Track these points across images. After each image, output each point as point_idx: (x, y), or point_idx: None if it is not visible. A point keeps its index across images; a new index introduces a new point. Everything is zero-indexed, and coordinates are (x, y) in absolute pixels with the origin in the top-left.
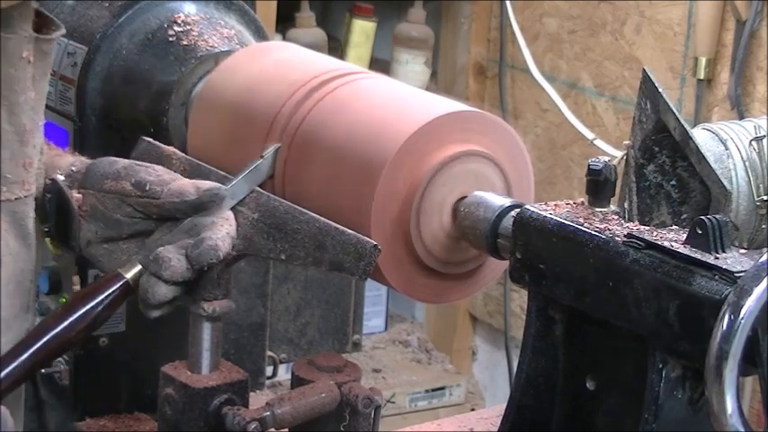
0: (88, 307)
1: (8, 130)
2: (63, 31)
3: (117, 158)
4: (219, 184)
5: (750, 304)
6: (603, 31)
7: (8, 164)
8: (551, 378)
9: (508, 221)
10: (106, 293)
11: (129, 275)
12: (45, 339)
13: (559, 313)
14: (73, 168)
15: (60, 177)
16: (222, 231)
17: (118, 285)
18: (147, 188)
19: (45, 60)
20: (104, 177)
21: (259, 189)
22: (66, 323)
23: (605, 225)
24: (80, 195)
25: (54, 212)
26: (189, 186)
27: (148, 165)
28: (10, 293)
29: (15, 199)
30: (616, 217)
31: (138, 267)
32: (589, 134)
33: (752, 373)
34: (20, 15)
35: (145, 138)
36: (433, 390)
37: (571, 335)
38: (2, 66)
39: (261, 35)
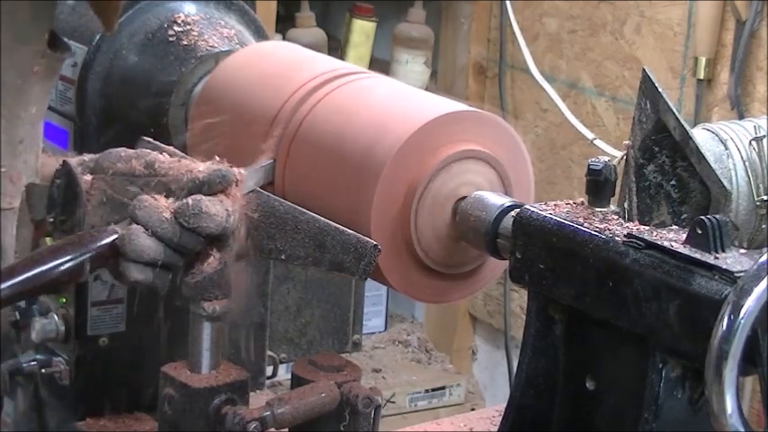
0: (77, 253)
1: (3, 141)
2: (71, 51)
3: (125, 149)
4: (230, 168)
5: (750, 304)
6: (603, 31)
7: None
8: (551, 378)
9: (508, 221)
10: (98, 243)
11: (123, 232)
12: (31, 273)
13: (559, 313)
14: (85, 158)
15: (72, 161)
16: (216, 198)
17: (110, 239)
18: (156, 166)
19: (51, 78)
20: (116, 161)
21: (259, 189)
22: (54, 263)
23: (605, 225)
24: (89, 178)
25: (62, 197)
26: (199, 165)
27: (158, 148)
28: None
29: None
30: (616, 217)
31: None
32: (589, 134)
33: (752, 373)
34: (37, 29)
35: (145, 138)
36: (433, 390)
37: (571, 335)
38: (11, 76)
39: (261, 35)
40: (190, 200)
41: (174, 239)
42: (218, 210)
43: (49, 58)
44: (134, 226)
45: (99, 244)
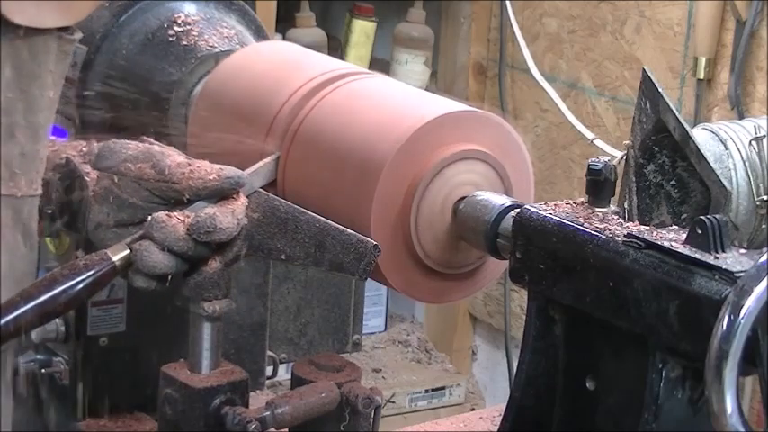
0: (71, 283)
1: (23, 126)
2: (80, 35)
3: (128, 141)
4: (241, 171)
5: (750, 304)
6: (603, 31)
7: (18, 159)
8: (551, 378)
9: (508, 221)
10: (90, 273)
11: (115, 258)
12: (23, 309)
13: (559, 313)
14: (83, 149)
15: (74, 159)
16: (227, 208)
17: (103, 267)
18: (167, 172)
19: (64, 62)
20: (121, 160)
21: (259, 189)
22: (46, 296)
23: (605, 225)
24: (95, 176)
25: (63, 193)
26: (210, 171)
27: (163, 149)
28: (6, 294)
29: (21, 196)
30: (616, 217)
31: (127, 251)
32: (589, 134)
33: (752, 373)
34: None
35: (145, 138)
36: (433, 390)
37: (571, 335)
38: (28, 61)
39: (261, 35)
40: (205, 216)
41: (188, 253)
42: (230, 221)
43: (61, 42)
44: (146, 243)
45: (92, 273)
